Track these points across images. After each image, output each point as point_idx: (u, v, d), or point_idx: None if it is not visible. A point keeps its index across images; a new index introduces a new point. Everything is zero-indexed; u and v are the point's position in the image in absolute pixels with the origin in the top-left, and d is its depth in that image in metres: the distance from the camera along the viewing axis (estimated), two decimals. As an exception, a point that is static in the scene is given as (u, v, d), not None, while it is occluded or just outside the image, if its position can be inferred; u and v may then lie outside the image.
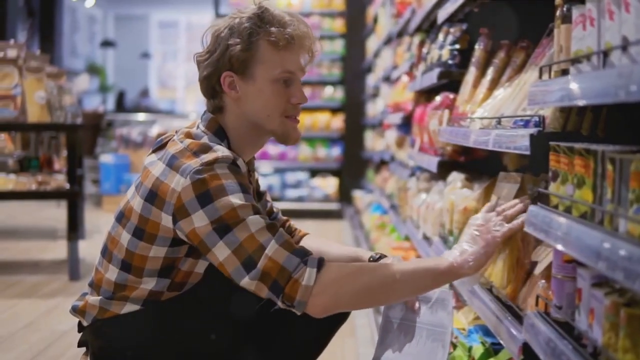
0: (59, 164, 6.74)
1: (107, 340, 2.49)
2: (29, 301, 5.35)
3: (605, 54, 1.69)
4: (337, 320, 2.67)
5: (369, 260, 2.67)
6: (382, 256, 2.67)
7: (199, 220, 2.26)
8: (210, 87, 2.50)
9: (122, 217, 2.47)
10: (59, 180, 6.26)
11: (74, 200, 6.16)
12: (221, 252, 2.25)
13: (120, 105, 19.21)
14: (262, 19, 2.45)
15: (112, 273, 2.47)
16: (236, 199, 2.27)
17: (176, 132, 2.52)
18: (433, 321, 2.50)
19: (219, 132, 2.48)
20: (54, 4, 18.70)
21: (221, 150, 2.36)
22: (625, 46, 1.58)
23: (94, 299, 2.50)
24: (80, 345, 2.63)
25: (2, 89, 5.89)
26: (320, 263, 2.25)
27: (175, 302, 2.46)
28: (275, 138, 2.56)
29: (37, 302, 5.31)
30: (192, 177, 2.27)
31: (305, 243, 2.81)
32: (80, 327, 2.60)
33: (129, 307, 2.45)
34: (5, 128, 6.25)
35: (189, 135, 2.45)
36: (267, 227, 2.27)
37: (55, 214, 9.65)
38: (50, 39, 18.29)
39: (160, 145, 2.52)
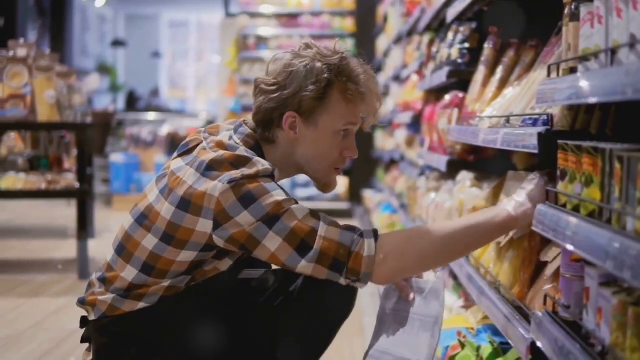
0: (69, 163, 6.75)
1: (112, 338, 2.49)
2: (38, 300, 5.35)
3: (613, 51, 1.69)
4: (340, 316, 2.67)
5: None
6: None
7: (245, 221, 2.28)
8: (269, 119, 2.50)
9: (144, 220, 2.45)
10: (69, 179, 6.28)
11: (83, 199, 6.17)
12: (272, 243, 2.28)
13: (131, 104, 19.23)
14: (342, 72, 2.48)
15: (129, 273, 2.46)
16: (278, 196, 2.30)
17: (204, 138, 2.50)
18: (426, 312, 2.52)
19: (256, 149, 2.48)
20: (65, 3, 18.72)
21: (261, 163, 2.37)
22: (632, 44, 1.57)
23: (106, 296, 2.49)
24: (83, 341, 2.63)
25: (12, 88, 5.90)
26: (375, 233, 2.30)
27: (181, 302, 2.46)
28: (315, 184, 2.63)
29: (46, 300, 5.32)
30: (231, 182, 2.29)
31: None
32: (83, 323, 2.60)
33: (141, 306, 2.45)
34: (15, 127, 6.26)
35: (221, 145, 2.43)
36: (311, 214, 2.32)
37: (66, 213, 9.66)
38: (60, 38, 18.32)
39: (186, 150, 2.51)
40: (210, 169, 2.34)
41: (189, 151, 2.49)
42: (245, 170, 2.32)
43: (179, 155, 2.51)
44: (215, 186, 2.29)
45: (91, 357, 2.58)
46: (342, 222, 2.35)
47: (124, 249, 2.49)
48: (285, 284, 2.63)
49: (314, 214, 2.33)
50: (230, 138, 2.49)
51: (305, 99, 2.44)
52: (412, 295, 2.57)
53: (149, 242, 2.42)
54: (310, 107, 2.46)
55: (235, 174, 2.31)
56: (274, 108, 2.48)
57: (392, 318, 2.60)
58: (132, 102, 19.49)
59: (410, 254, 2.31)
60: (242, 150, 2.41)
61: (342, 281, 2.30)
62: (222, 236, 2.32)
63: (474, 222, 2.34)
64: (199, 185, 2.33)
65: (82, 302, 2.57)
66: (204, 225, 2.33)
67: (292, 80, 2.46)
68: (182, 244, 2.37)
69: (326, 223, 2.31)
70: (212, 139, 2.47)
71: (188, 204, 2.34)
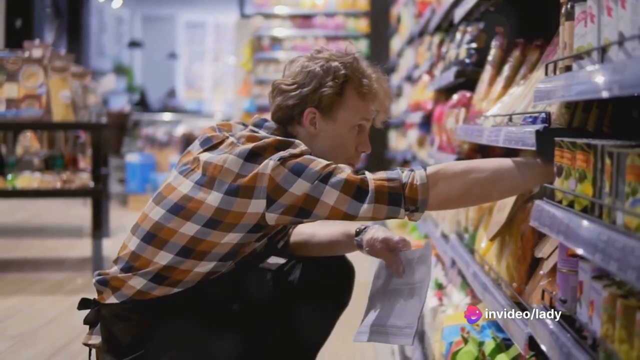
0: (84, 162, 6.81)
1: (131, 323, 2.52)
2: (52, 298, 5.41)
3: (604, 49, 1.72)
4: (338, 306, 2.72)
5: (356, 232, 2.81)
6: (367, 227, 2.80)
7: (300, 188, 2.37)
8: (289, 116, 2.61)
9: (180, 210, 2.46)
10: (84, 178, 6.33)
11: (98, 198, 6.22)
12: (330, 196, 2.37)
13: (142, 105, 19.27)
14: (356, 69, 2.61)
15: (162, 257, 2.48)
16: (324, 161, 2.41)
17: (229, 135, 2.55)
18: (413, 279, 2.58)
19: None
20: (82, 4, 18.82)
21: (302, 145, 2.46)
22: (621, 42, 1.60)
23: (136, 281, 2.50)
24: (87, 322, 2.63)
25: (28, 88, 5.96)
26: (423, 166, 2.44)
27: (206, 289, 2.51)
28: None
29: (60, 298, 5.37)
30: (281, 159, 2.38)
31: (299, 228, 2.92)
32: (84, 305, 2.62)
33: (174, 291, 2.50)
34: (30, 127, 6.33)
35: (254, 139, 2.48)
36: (355, 170, 2.45)
37: (81, 212, 9.72)
38: (77, 39, 18.41)
39: (211, 145, 2.54)
40: (254, 155, 2.41)
41: (214, 146, 2.54)
42: (292, 150, 2.41)
43: (205, 150, 2.54)
44: (266, 164, 2.37)
45: (94, 341, 2.60)
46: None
47: (155, 237, 2.50)
48: (284, 275, 2.67)
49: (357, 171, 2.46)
50: (256, 132, 2.55)
51: (325, 94, 2.55)
52: (401, 268, 2.63)
53: (189, 229, 2.45)
54: (329, 103, 2.56)
55: (284, 153, 2.40)
56: (295, 105, 2.58)
57: (382, 294, 2.64)
58: (143, 102, 19.49)
59: (459, 179, 2.41)
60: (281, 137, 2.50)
61: (402, 213, 2.39)
62: (276, 211, 2.39)
63: (523, 160, 2.43)
64: (246, 171, 2.39)
65: (102, 283, 2.55)
66: (256, 206, 2.39)
67: (311, 79, 2.57)
68: (229, 227, 2.43)
69: (371, 173, 2.42)
70: (240, 135, 2.52)
71: (237, 188, 2.39)
